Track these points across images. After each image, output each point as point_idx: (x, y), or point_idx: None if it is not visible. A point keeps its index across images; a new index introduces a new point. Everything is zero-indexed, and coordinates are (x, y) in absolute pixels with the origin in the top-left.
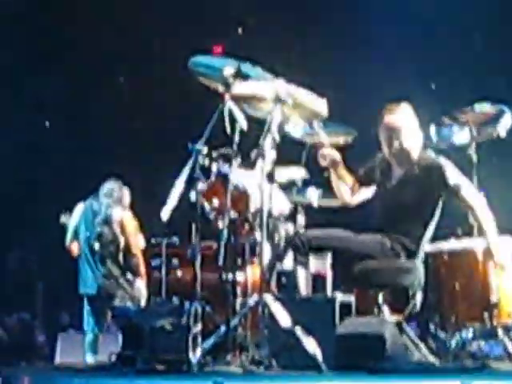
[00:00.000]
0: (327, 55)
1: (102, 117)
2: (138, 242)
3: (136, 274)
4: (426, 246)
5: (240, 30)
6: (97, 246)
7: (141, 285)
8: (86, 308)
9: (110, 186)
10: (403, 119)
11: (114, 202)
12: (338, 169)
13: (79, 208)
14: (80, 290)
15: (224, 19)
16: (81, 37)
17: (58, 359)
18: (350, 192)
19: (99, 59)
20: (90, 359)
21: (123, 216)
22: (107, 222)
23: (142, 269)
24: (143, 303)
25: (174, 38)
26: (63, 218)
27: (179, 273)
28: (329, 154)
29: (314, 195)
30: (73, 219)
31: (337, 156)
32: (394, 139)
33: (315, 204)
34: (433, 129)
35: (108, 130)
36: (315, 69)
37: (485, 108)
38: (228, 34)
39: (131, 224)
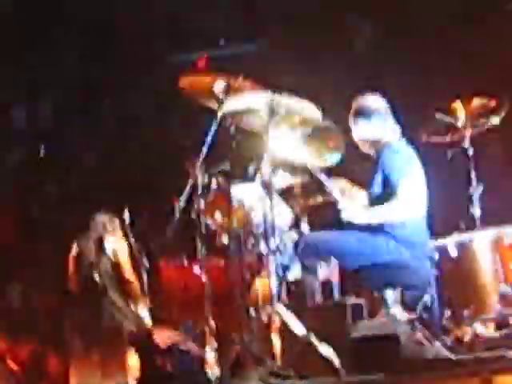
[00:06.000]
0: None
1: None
2: (129, 267)
3: (135, 301)
4: (431, 242)
5: (222, 41)
6: (96, 277)
7: (143, 312)
8: None
9: (101, 219)
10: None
11: (107, 234)
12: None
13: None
14: None
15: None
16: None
17: None
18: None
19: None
20: None
21: (116, 246)
22: (101, 252)
23: (140, 295)
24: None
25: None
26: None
27: None
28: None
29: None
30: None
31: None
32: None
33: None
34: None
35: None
36: (304, 73)
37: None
38: (211, 44)
39: (124, 251)
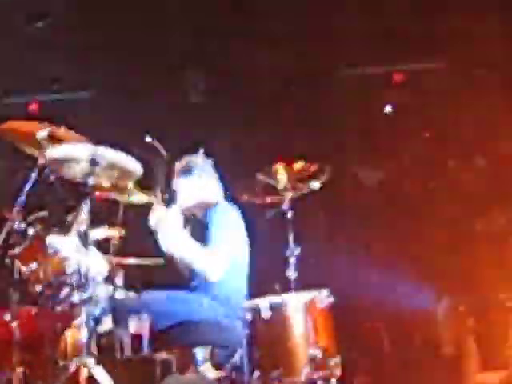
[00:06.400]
0: (140, 113)
1: None
2: None
3: None
4: (246, 302)
5: (55, 86)
6: None
7: None
8: None
9: None
10: None
11: None
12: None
13: None
14: None
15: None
16: None
17: None
18: None
19: None
20: None
21: None
22: None
23: None
24: None
25: None
26: None
27: None
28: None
29: None
30: None
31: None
32: None
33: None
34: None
35: None
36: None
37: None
38: (43, 89)
39: None
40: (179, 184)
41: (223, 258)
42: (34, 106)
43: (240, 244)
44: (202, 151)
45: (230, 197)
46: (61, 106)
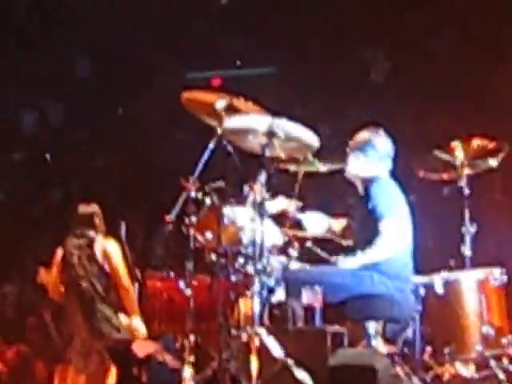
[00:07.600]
0: (321, 90)
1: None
2: (126, 274)
3: (130, 312)
4: (418, 278)
5: (238, 63)
6: (84, 284)
7: (138, 323)
8: None
9: (87, 210)
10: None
11: (96, 231)
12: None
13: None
14: None
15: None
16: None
17: None
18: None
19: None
20: None
21: (106, 244)
22: (91, 256)
23: (135, 305)
24: None
25: (170, 70)
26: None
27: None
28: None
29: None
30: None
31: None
32: None
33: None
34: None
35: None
36: (309, 103)
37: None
38: (227, 65)
39: (117, 253)
40: (350, 157)
41: (393, 244)
42: (216, 81)
43: (403, 218)
44: (380, 129)
45: (396, 173)
46: (244, 82)
